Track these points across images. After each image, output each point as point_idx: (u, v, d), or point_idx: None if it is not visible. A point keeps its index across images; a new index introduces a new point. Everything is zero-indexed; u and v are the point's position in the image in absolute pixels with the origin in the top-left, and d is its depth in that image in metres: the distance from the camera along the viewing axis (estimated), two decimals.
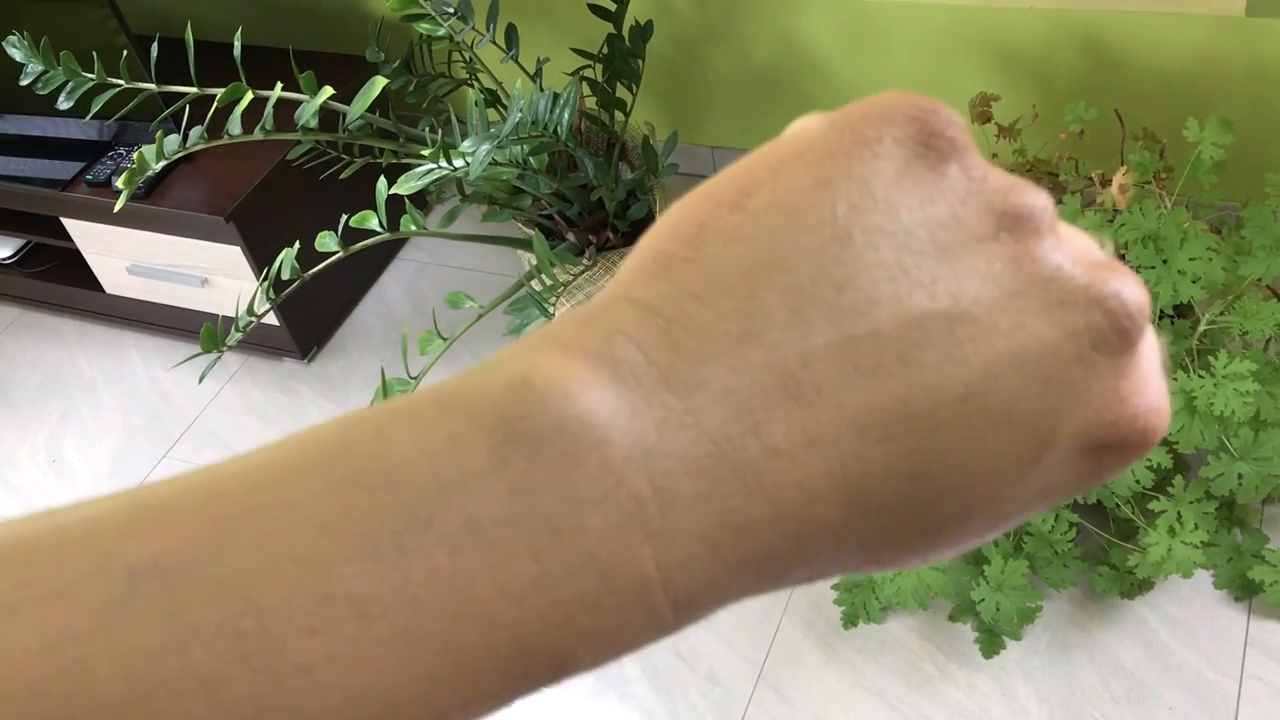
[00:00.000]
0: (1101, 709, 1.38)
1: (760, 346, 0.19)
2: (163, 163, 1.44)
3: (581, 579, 0.18)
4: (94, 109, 1.50)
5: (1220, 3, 1.52)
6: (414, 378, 1.40)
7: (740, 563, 0.19)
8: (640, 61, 1.67)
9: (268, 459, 0.18)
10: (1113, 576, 1.42)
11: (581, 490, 0.18)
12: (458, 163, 1.38)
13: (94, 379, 2.13)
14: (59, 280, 2.18)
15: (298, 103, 1.45)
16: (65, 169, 1.97)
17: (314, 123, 1.44)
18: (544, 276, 1.46)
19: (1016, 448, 0.20)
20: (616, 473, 0.18)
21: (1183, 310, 1.40)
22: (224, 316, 1.77)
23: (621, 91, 1.70)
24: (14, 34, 1.50)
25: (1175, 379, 1.23)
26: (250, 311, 1.48)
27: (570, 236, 1.74)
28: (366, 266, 2.13)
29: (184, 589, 0.16)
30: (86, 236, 2.02)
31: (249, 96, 1.41)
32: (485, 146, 1.36)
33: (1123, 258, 1.27)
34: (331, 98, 1.42)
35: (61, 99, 1.51)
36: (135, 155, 1.44)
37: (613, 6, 1.65)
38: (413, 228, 1.47)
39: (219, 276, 1.95)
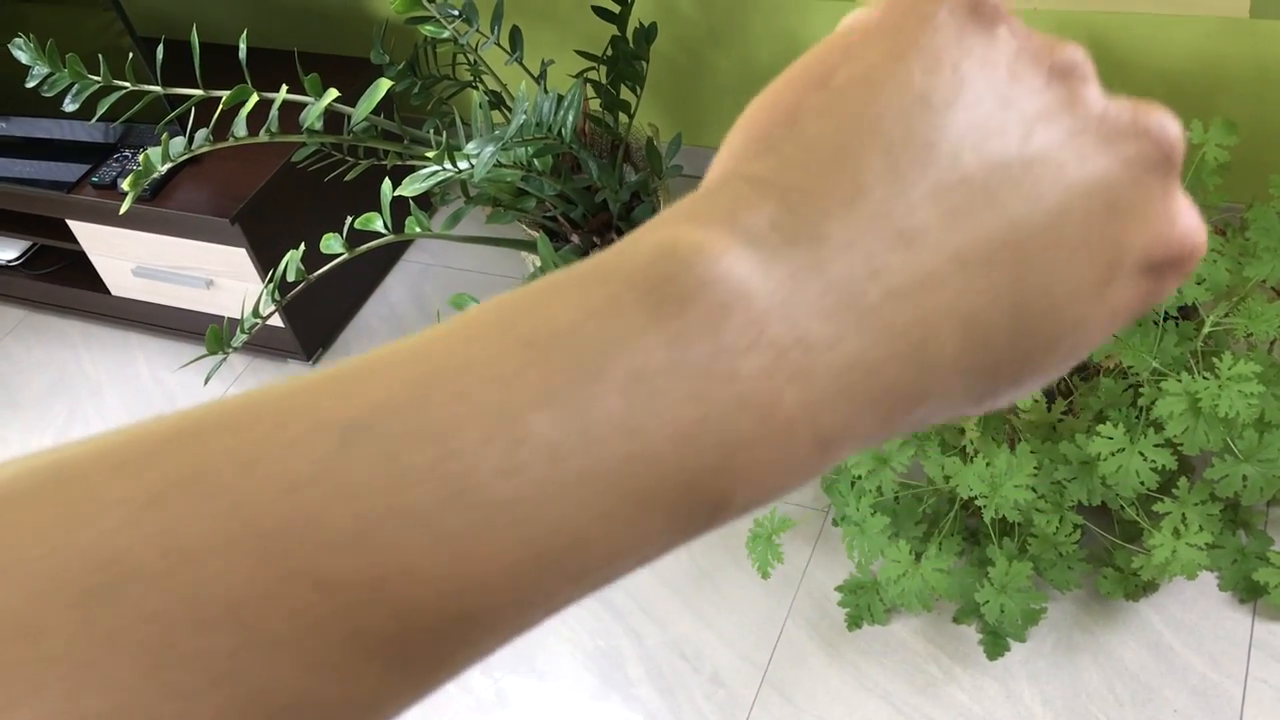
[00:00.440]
0: (1106, 711, 1.38)
1: (868, 202, 0.21)
2: (168, 165, 1.45)
3: (739, 420, 0.20)
4: (100, 111, 1.50)
5: (1224, 4, 1.52)
6: None
7: (870, 403, 0.21)
8: (644, 63, 1.67)
9: (443, 332, 0.20)
10: (1117, 578, 1.42)
11: (730, 339, 0.20)
12: (462, 165, 1.38)
13: (99, 380, 2.14)
14: (65, 282, 2.18)
15: (303, 105, 1.45)
16: (71, 171, 1.97)
17: (319, 125, 1.45)
18: None
19: (1093, 270, 0.23)
20: (759, 322, 0.20)
21: (1187, 312, 1.40)
22: (229, 318, 1.77)
23: (625, 93, 1.70)
24: (20, 36, 1.50)
25: (1180, 380, 1.23)
26: (255, 313, 1.48)
27: (574, 238, 1.74)
28: (371, 268, 2.13)
29: (392, 439, 0.18)
30: (92, 238, 2.02)
31: (254, 99, 1.42)
32: (490, 148, 1.36)
33: None
34: (336, 100, 1.43)
35: (67, 101, 1.52)
36: (141, 157, 1.44)
37: (617, 9, 1.65)
38: (417, 230, 1.47)
39: (224, 278, 1.96)
